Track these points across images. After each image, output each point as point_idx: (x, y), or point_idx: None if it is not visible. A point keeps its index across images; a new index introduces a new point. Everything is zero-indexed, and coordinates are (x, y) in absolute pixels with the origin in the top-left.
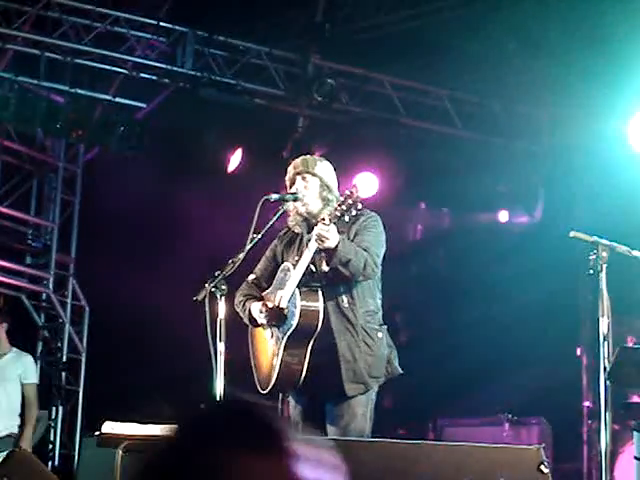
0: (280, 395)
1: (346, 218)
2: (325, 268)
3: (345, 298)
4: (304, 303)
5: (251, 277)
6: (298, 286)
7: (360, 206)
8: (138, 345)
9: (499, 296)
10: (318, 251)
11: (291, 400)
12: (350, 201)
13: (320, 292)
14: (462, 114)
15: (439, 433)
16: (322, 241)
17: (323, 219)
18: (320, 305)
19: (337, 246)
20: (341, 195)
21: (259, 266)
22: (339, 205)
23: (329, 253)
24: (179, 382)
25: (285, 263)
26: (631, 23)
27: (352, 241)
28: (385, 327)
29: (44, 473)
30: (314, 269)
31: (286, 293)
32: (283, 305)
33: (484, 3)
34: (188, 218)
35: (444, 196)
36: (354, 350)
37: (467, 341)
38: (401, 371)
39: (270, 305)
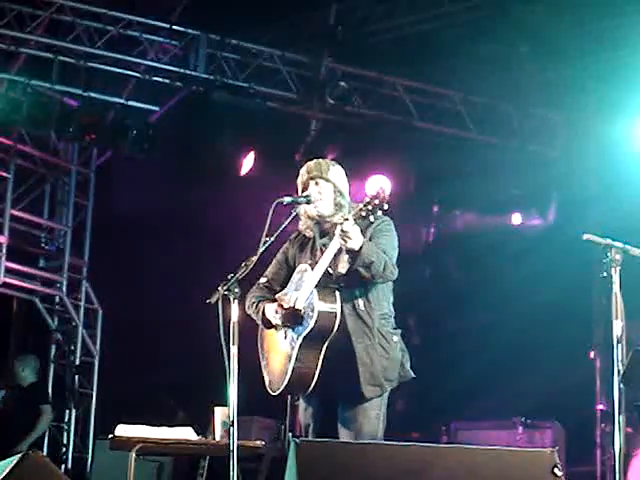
0: (289, 397)
1: (372, 218)
2: (342, 270)
3: (361, 301)
4: (322, 305)
5: (262, 280)
6: (315, 287)
7: (387, 207)
8: (151, 348)
9: (512, 299)
10: (339, 252)
11: (301, 402)
12: (377, 201)
13: (338, 294)
14: (475, 117)
15: (452, 436)
16: (345, 240)
17: (347, 218)
18: (338, 307)
19: (362, 247)
20: (366, 196)
21: (270, 269)
22: (364, 205)
23: (353, 254)
24: (192, 385)
25: (302, 264)
26: None
27: None
28: (399, 331)
29: (57, 476)
30: (330, 271)
31: (303, 294)
32: (299, 306)
33: (497, 6)
34: (200, 221)
35: (457, 199)
36: (371, 353)
37: (480, 344)
38: (413, 375)
39: (286, 306)
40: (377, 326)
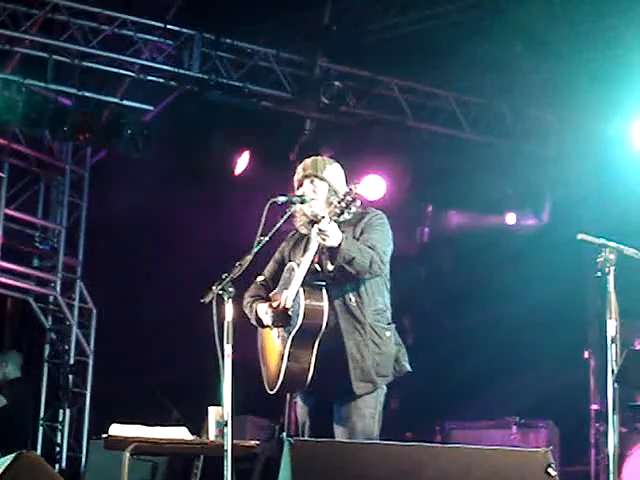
0: (287, 396)
1: (346, 215)
2: (330, 267)
3: (352, 297)
4: (308, 302)
5: (259, 279)
6: (302, 285)
7: (359, 203)
8: (145, 347)
9: (506, 299)
10: (322, 250)
11: (298, 400)
12: (349, 198)
13: (324, 290)
14: (469, 117)
15: (446, 436)
16: (323, 238)
17: (323, 216)
18: (324, 304)
19: (340, 244)
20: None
21: (267, 268)
22: (339, 202)
23: (333, 252)
24: (186, 385)
25: (290, 263)
26: (638, 25)
27: (358, 239)
28: (393, 325)
29: (52, 475)
30: (319, 268)
31: (290, 293)
32: (288, 305)
33: (491, 5)
34: (195, 220)
35: (451, 198)
36: (362, 349)
37: (474, 344)
38: (409, 369)
39: (275, 305)
40: (369, 322)
